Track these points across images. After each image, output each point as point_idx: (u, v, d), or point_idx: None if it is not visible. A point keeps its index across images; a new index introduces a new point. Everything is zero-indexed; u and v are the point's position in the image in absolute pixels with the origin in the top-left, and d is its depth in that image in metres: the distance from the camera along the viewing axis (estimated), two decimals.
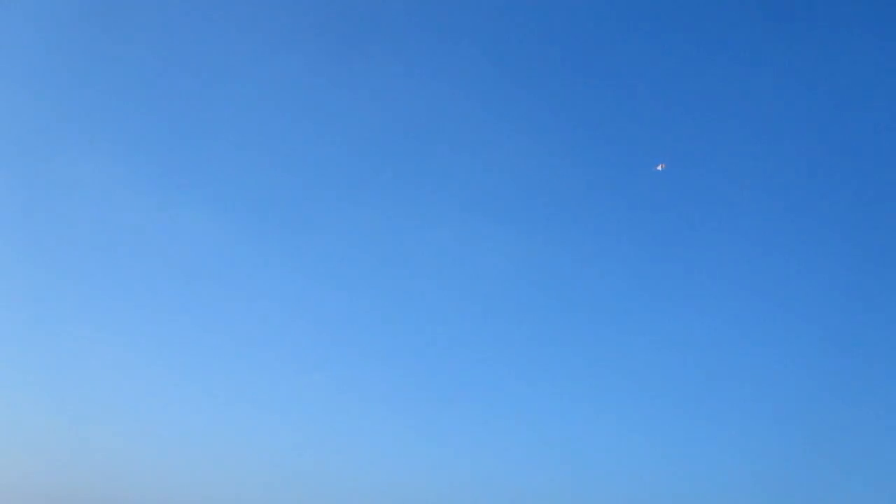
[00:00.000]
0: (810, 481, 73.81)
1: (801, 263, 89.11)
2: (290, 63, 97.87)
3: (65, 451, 72.90)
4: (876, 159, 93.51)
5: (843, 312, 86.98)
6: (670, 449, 78.83)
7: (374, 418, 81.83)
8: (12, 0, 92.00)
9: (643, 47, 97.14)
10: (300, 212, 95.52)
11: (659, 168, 77.23)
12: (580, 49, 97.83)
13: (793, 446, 77.56)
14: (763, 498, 72.01)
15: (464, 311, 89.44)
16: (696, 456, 78.84)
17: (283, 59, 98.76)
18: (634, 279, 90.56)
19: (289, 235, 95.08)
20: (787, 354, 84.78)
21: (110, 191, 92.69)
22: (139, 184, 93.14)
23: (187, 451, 74.60)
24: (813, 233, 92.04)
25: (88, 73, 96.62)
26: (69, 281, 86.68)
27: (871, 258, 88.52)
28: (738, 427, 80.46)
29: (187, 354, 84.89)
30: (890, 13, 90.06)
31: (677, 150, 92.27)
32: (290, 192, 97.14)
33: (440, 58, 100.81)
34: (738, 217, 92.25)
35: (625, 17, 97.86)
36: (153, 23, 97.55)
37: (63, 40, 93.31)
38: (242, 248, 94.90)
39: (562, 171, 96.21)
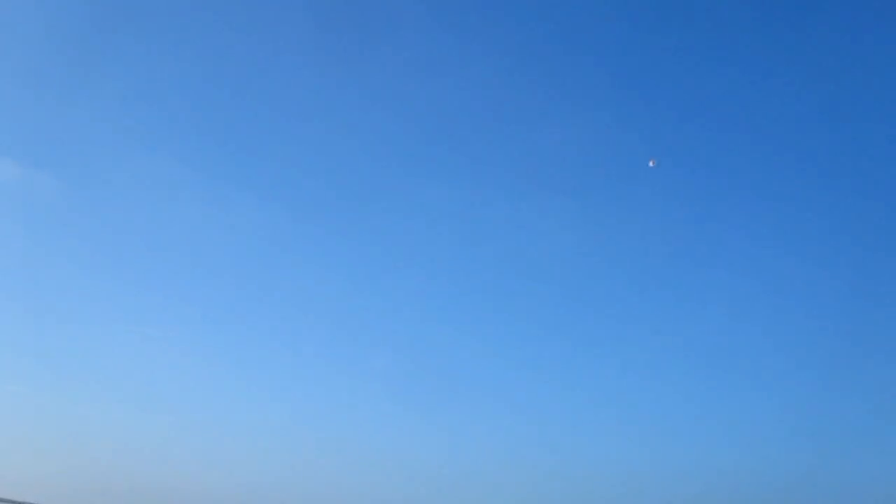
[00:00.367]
0: (810, 480, 74.42)
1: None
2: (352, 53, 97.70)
3: (133, 443, 73.95)
4: (876, 160, 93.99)
5: (846, 310, 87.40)
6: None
7: (465, 393, 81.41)
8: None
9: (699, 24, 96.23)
10: (364, 192, 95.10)
11: (651, 164, 78.12)
12: (640, 25, 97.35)
13: (793, 444, 78.18)
14: (763, 498, 72.63)
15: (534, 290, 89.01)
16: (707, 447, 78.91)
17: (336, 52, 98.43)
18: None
19: (347, 225, 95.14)
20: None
21: (165, 189, 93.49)
22: (194, 181, 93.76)
23: (241, 441, 75.46)
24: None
25: (142, 75, 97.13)
26: (128, 281, 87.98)
27: (870, 259, 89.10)
28: (742, 427, 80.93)
29: (248, 349, 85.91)
30: (890, 13, 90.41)
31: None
32: (352, 177, 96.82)
33: (506, 37, 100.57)
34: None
35: None
36: (208, 24, 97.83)
37: (112, 43, 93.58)
38: (299, 240, 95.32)
39: (625, 144, 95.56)
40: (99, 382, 78.71)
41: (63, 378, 78.34)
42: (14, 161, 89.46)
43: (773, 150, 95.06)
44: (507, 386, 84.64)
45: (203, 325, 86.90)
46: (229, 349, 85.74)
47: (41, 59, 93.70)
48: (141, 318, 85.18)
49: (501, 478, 76.15)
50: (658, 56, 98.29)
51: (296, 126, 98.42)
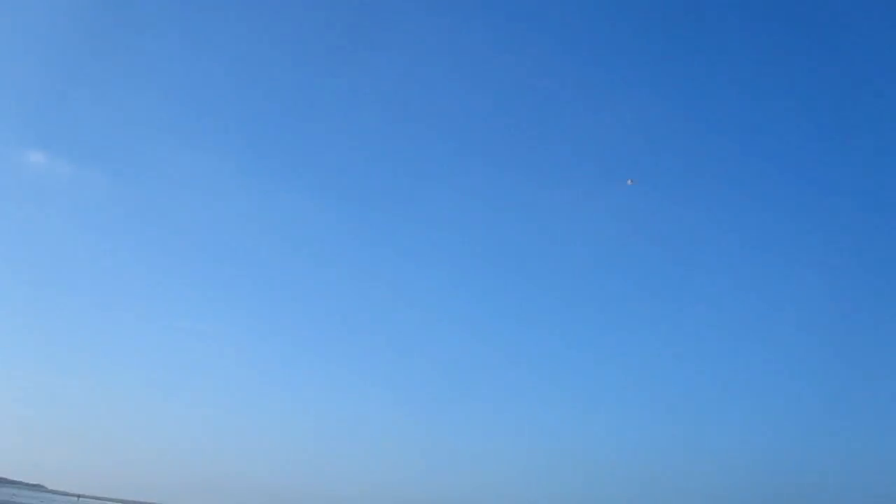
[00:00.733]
0: (810, 479, 74.46)
1: None
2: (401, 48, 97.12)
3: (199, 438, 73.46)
4: (876, 161, 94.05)
5: (845, 318, 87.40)
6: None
7: (523, 378, 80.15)
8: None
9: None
10: (417, 175, 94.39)
11: (629, 183, 79.75)
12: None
13: (793, 444, 78.11)
14: (762, 498, 72.59)
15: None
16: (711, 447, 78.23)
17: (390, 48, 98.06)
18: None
19: (398, 215, 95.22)
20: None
21: (215, 183, 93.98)
22: (243, 175, 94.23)
23: (292, 430, 75.26)
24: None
25: (181, 76, 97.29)
26: (182, 275, 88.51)
27: (869, 258, 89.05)
28: (744, 429, 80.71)
29: (305, 340, 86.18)
30: (890, 13, 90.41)
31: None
32: (403, 163, 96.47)
33: (566, 28, 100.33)
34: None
35: None
36: (257, 21, 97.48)
37: (155, 47, 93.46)
38: (352, 232, 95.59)
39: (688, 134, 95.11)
40: (148, 375, 79.75)
41: (116, 372, 79.04)
42: (68, 161, 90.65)
43: (769, 156, 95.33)
44: (506, 386, 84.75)
45: (247, 318, 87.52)
46: (276, 341, 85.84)
47: (90, 62, 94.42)
48: (189, 312, 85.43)
49: (501, 470, 76.33)
50: (658, 58, 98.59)
51: (314, 127, 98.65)
